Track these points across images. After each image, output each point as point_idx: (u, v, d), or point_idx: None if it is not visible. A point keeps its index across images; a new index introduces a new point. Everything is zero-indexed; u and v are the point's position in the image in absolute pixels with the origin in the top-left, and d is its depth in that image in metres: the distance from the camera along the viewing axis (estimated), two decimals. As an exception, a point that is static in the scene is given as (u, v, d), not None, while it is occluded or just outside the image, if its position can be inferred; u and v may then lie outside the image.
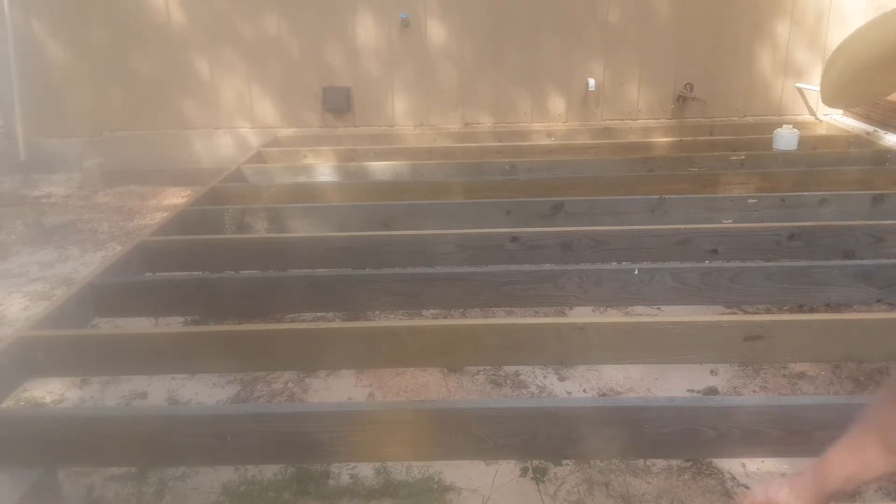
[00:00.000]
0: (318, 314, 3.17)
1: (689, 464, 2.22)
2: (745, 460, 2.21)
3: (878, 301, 2.61)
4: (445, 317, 3.22)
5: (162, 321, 3.16)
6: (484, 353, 2.26)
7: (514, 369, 2.81)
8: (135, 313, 2.85)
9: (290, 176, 4.28)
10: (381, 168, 4.30)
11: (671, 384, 2.71)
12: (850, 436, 1.05)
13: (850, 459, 1.04)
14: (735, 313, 3.08)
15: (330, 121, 5.55)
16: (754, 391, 2.66)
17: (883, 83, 0.81)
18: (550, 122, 5.55)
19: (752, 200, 3.38)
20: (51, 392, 2.77)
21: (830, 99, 0.87)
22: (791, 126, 4.69)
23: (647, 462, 2.23)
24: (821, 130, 5.28)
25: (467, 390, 2.72)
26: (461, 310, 3.23)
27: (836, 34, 5.30)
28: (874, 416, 1.04)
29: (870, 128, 4.94)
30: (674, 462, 2.23)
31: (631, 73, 5.47)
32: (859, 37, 0.79)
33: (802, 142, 4.64)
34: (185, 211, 3.49)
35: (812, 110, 5.51)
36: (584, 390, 2.69)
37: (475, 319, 3.11)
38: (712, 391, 2.66)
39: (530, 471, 2.22)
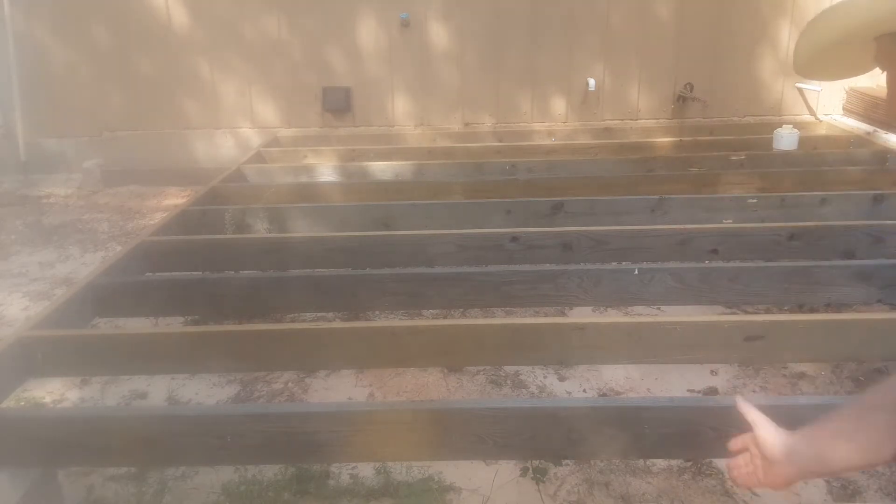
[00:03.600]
0: (318, 314, 3.17)
1: (689, 464, 2.22)
2: (745, 460, 2.21)
3: (878, 301, 2.61)
4: (445, 317, 3.22)
5: (162, 321, 3.16)
6: (484, 353, 2.26)
7: (514, 369, 2.81)
8: (135, 313, 2.85)
9: (290, 176, 4.28)
10: (381, 168, 4.30)
11: (671, 384, 2.71)
12: (853, 411, 0.97)
13: (857, 437, 0.97)
14: (735, 313, 3.08)
15: (330, 121, 5.55)
16: (754, 391, 2.66)
17: (849, 60, 0.89)
18: (551, 122, 5.55)
19: (752, 200, 3.38)
20: (51, 392, 2.77)
21: (802, 68, 0.95)
22: (791, 126, 4.69)
23: (647, 462, 2.23)
24: (821, 130, 5.27)
25: (467, 390, 2.72)
26: (461, 310, 3.23)
27: (837, 34, 5.30)
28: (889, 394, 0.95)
29: (870, 128, 4.94)
30: (674, 462, 2.23)
31: (631, 73, 5.47)
32: (831, 13, 0.85)
33: (802, 142, 4.64)
34: (185, 211, 3.49)
35: (812, 110, 5.51)
36: (584, 390, 2.69)
37: (475, 319, 3.11)
38: (712, 391, 2.66)
39: (530, 471, 2.22)
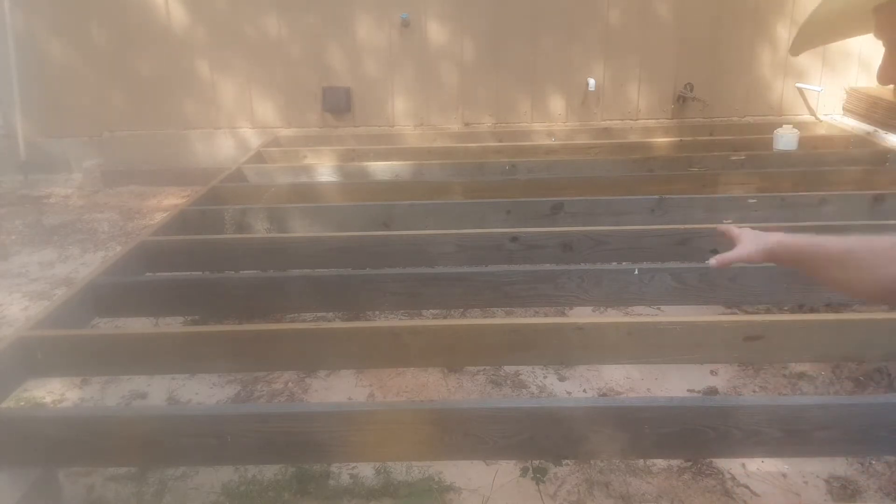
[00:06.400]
0: (318, 314, 3.17)
1: (689, 464, 2.22)
2: (745, 460, 2.21)
3: (878, 301, 2.61)
4: (445, 317, 3.22)
5: (162, 321, 3.16)
6: (484, 353, 2.26)
7: (514, 369, 2.81)
8: (135, 313, 2.85)
9: (290, 176, 4.28)
10: (381, 168, 4.30)
11: (671, 384, 2.71)
12: (844, 240, 1.07)
13: (830, 249, 1.07)
14: (735, 313, 3.08)
15: (330, 121, 5.56)
16: (754, 391, 2.66)
17: (844, 32, 0.96)
18: (550, 122, 5.55)
19: (752, 200, 3.38)
20: (51, 392, 2.77)
21: (799, 48, 1.03)
22: (791, 126, 4.69)
23: (647, 462, 2.23)
24: (821, 130, 5.28)
25: (467, 390, 2.72)
26: (461, 310, 3.23)
27: (836, 34, 5.30)
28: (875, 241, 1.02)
29: (870, 128, 4.94)
30: (674, 462, 2.23)
31: (631, 73, 5.47)
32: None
33: (802, 142, 4.64)
34: (185, 211, 3.49)
35: (812, 110, 5.51)
36: (584, 390, 2.69)
37: (475, 319, 3.10)
38: (712, 391, 2.66)
39: (530, 471, 2.22)
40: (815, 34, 0.97)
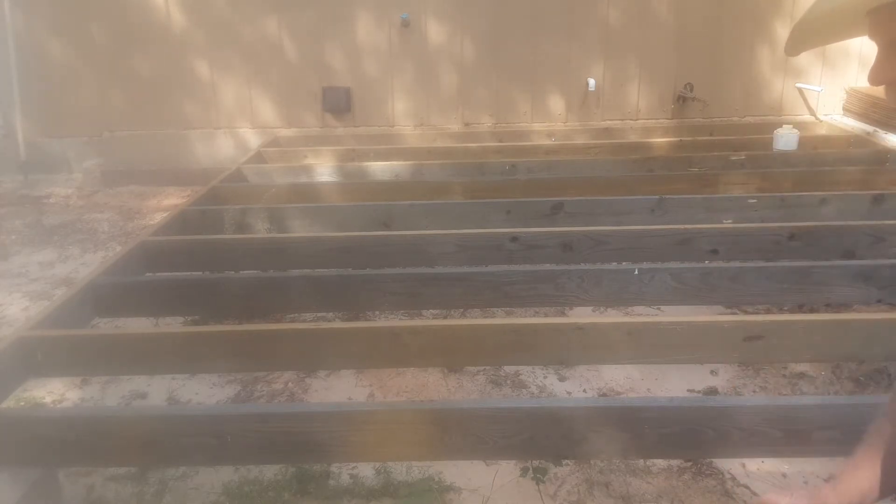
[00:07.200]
0: (318, 314, 3.17)
1: (689, 464, 2.22)
2: (745, 460, 2.21)
3: (878, 301, 2.61)
4: (445, 317, 3.22)
5: (162, 321, 3.16)
6: (484, 353, 2.26)
7: (514, 369, 2.81)
8: (135, 313, 2.85)
9: (289, 176, 4.28)
10: (381, 168, 4.30)
11: (671, 384, 2.71)
12: (863, 450, 1.03)
13: (865, 475, 1.01)
14: (735, 313, 3.08)
15: (330, 121, 5.56)
16: (754, 391, 2.66)
17: (837, 34, 0.93)
18: (550, 122, 5.55)
19: (752, 200, 3.38)
20: (51, 392, 2.77)
21: (793, 49, 0.99)
22: (791, 126, 4.69)
23: (647, 462, 2.23)
24: (821, 130, 5.28)
25: (467, 390, 2.72)
26: (461, 310, 3.23)
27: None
28: (879, 431, 1.02)
29: (870, 128, 4.94)
30: (674, 462, 2.23)
31: (631, 73, 5.47)
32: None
33: (802, 142, 4.64)
34: (185, 211, 3.49)
35: (812, 110, 5.51)
36: (584, 390, 2.69)
37: (475, 319, 3.10)
38: (712, 391, 2.66)
39: (530, 471, 2.22)
40: (811, 35, 0.97)
